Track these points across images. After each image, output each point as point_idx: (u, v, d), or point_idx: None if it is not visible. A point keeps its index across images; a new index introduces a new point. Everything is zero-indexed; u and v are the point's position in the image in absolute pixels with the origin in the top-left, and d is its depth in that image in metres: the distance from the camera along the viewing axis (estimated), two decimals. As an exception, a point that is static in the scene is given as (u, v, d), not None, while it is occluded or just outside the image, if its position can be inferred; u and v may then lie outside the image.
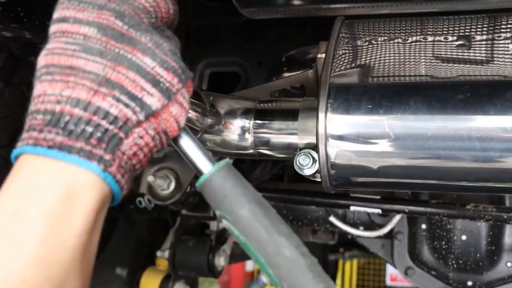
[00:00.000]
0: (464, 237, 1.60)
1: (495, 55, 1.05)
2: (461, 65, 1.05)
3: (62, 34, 0.64)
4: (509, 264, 1.60)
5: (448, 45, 1.09)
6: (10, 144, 1.44)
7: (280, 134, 1.12)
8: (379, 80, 1.06)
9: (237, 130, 1.15)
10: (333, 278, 4.61)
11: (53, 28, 0.65)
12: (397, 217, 1.59)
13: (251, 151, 1.15)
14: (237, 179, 0.70)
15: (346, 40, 1.14)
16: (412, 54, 1.09)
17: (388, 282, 6.10)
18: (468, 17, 1.15)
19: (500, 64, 1.03)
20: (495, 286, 1.59)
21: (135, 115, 0.63)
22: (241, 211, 0.67)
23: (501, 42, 1.07)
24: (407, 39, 1.12)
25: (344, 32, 1.16)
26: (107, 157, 0.61)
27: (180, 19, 1.64)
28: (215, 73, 1.71)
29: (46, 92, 0.62)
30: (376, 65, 1.08)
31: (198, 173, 0.71)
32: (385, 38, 1.13)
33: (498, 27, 1.10)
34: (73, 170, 0.60)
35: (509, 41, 1.06)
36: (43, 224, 0.58)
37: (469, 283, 1.61)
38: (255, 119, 1.14)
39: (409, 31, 1.14)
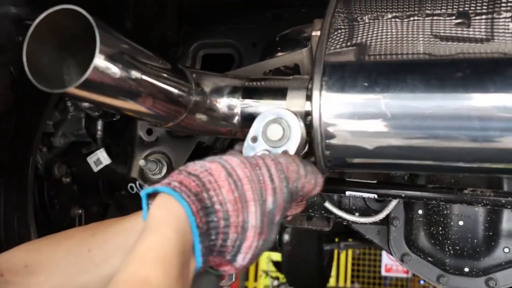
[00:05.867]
0: (461, 223, 1.58)
1: (495, 33, 1.02)
2: (460, 43, 1.02)
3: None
4: (506, 250, 1.57)
5: (447, 23, 1.06)
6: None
7: None
8: (376, 58, 1.03)
9: (224, 108, 1.12)
10: (329, 268, 4.60)
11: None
12: (393, 202, 1.56)
13: (239, 130, 1.12)
14: None
15: (342, 17, 1.11)
16: (410, 32, 1.05)
17: (383, 272, 6.12)
18: (468, -6, 1.12)
19: (500, 42, 1.00)
20: (492, 272, 1.57)
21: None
22: None
23: (501, 19, 1.04)
24: (405, 16, 1.09)
25: (340, 9, 1.13)
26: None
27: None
28: (208, 55, 1.67)
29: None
30: (373, 42, 1.05)
31: None
32: (382, 15, 1.10)
33: (498, 5, 1.07)
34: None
35: (509, 19, 1.03)
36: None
37: (466, 269, 1.59)
38: (243, 97, 1.11)
39: (407, 8, 1.11)
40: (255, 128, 1.01)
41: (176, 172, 0.86)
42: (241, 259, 0.85)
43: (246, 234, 0.83)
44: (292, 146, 1.00)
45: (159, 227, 0.77)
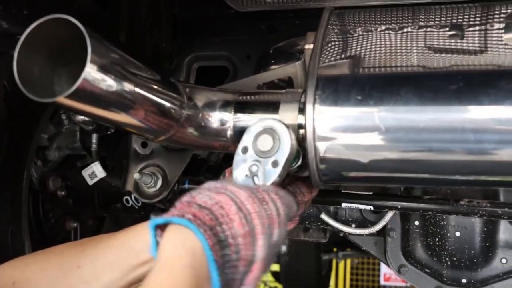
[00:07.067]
0: (458, 234, 1.57)
1: (488, 45, 1.02)
2: (454, 55, 1.01)
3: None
4: (503, 261, 1.57)
5: (440, 35, 1.05)
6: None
7: None
8: (369, 71, 1.03)
9: (216, 123, 1.11)
10: (327, 278, 4.58)
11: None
12: (390, 213, 1.56)
13: (231, 144, 1.12)
14: None
15: (335, 30, 1.11)
16: (403, 44, 1.05)
17: (382, 281, 6.09)
18: (461, 6, 1.12)
19: (493, 54, 1.00)
20: (490, 283, 1.56)
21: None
22: None
23: (494, 31, 1.04)
24: (398, 29, 1.09)
25: (333, 22, 1.12)
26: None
27: (168, 11, 1.61)
28: (203, 67, 1.67)
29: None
30: (366, 55, 1.04)
31: None
32: (376, 28, 1.10)
33: (491, 17, 1.07)
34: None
35: (503, 30, 1.03)
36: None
37: (463, 281, 1.58)
38: (235, 111, 1.11)
39: (400, 21, 1.11)
40: (246, 139, 1.01)
41: (185, 204, 0.84)
42: None
43: (252, 266, 0.83)
44: (282, 156, 0.99)
45: (172, 263, 0.75)
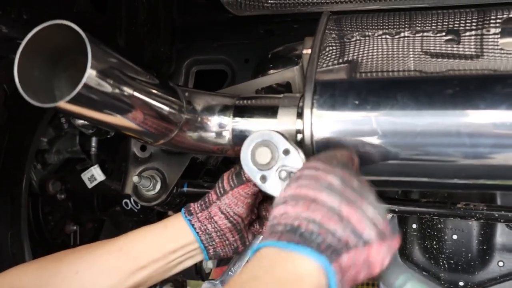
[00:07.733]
0: (455, 237, 1.58)
1: (484, 50, 1.03)
2: (450, 60, 1.02)
3: (312, 178, 0.82)
4: (500, 264, 1.58)
5: (437, 40, 1.06)
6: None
7: None
8: (366, 76, 1.03)
9: (215, 127, 1.13)
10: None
11: (305, 171, 0.85)
12: (387, 216, 1.56)
13: (229, 148, 1.13)
14: None
15: (332, 35, 1.12)
16: (400, 49, 1.06)
17: (382, 286, 6.11)
18: (457, 11, 1.13)
19: (489, 59, 1.01)
20: (487, 286, 1.57)
21: (354, 241, 0.77)
22: None
23: (490, 36, 1.05)
24: (395, 34, 1.09)
25: (331, 27, 1.13)
26: (333, 257, 0.74)
27: (166, 16, 1.62)
28: (201, 71, 1.68)
29: (287, 212, 0.79)
30: (363, 60, 1.05)
31: None
32: (373, 33, 1.11)
33: (487, 22, 1.08)
34: (303, 260, 0.73)
35: (498, 35, 1.04)
36: None
37: (461, 283, 1.59)
38: (234, 116, 1.12)
39: (397, 26, 1.12)
40: (246, 158, 1.01)
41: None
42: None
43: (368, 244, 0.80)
44: (296, 162, 1.00)
45: None
